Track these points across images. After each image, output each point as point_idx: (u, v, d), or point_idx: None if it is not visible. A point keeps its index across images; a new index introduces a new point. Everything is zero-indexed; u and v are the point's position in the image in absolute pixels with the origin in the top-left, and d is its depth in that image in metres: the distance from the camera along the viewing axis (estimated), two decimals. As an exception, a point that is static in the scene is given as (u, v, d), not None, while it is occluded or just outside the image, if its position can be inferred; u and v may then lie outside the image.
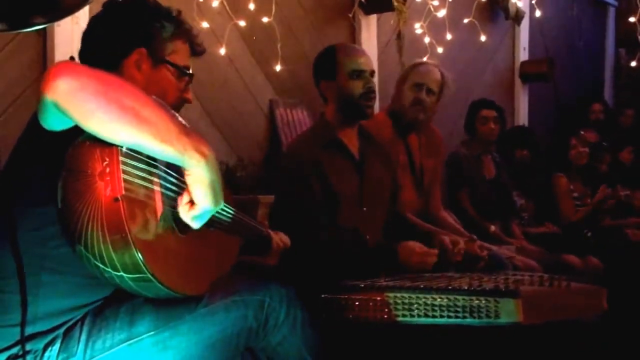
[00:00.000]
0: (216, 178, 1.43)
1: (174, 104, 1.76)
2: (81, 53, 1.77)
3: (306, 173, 2.58)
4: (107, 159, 1.36)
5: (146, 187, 1.44)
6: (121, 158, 1.37)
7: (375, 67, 3.08)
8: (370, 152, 2.81)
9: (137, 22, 1.74)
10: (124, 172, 1.37)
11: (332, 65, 2.74)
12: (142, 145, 1.36)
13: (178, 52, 1.78)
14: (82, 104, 1.31)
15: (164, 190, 1.49)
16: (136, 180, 1.41)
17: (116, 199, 1.35)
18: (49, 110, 1.36)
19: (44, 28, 2.64)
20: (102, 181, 1.36)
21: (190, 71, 1.83)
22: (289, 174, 2.65)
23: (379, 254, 2.58)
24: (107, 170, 1.36)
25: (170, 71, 1.76)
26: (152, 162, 1.46)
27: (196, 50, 1.87)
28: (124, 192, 1.35)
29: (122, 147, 1.38)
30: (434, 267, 2.51)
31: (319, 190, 2.57)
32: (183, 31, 1.80)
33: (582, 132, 4.86)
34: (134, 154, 1.41)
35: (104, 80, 1.34)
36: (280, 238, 2.07)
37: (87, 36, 1.77)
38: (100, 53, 1.72)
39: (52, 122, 1.42)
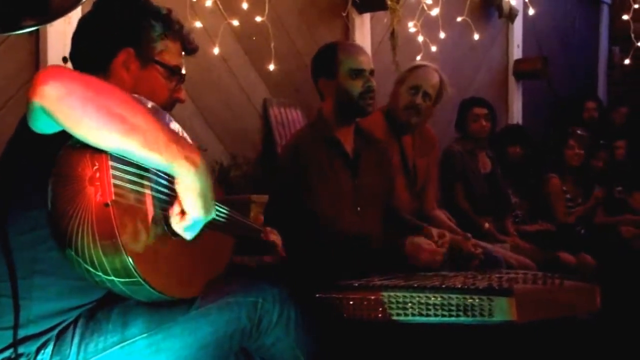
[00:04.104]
0: (207, 187, 1.42)
1: (165, 104, 1.74)
2: (72, 54, 1.76)
3: (306, 169, 2.57)
4: (97, 164, 1.36)
5: (137, 191, 1.43)
6: (111, 163, 1.36)
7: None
8: (366, 150, 2.80)
9: (124, 21, 1.72)
10: (114, 176, 1.36)
11: (331, 63, 2.72)
12: (130, 152, 1.35)
13: (168, 52, 1.76)
14: (70, 110, 1.30)
15: (155, 194, 1.48)
16: (126, 185, 1.40)
17: (106, 204, 1.34)
18: (37, 115, 1.36)
19: (37, 29, 2.64)
20: (92, 186, 1.35)
21: (183, 71, 1.81)
22: (289, 169, 2.64)
23: (385, 251, 2.58)
24: (97, 175, 1.35)
25: (160, 71, 1.75)
26: (143, 165, 1.45)
27: (188, 48, 1.85)
28: (114, 197, 1.35)
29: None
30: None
31: (319, 184, 2.57)
32: (173, 30, 1.78)
33: (579, 133, 4.86)
34: (125, 158, 1.40)
35: (93, 86, 1.33)
36: (273, 235, 2.07)
37: (76, 37, 1.75)
38: (89, 54, 1.71)
39: (41, 127, 1.41)
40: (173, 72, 1.77)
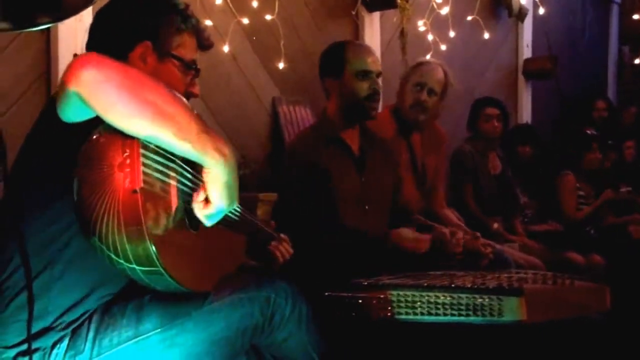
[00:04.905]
0: (233, 178, 1.44)
1: None
2: (87, 47, 1.76)
3: (307, 175, 2.57)
4: (128, 151, 1.37)
5: (163, 181, 1.44)
6: (141, 150, 1.38)
7: (378, 65, 3.07)
8: (372, 149, 2.79)
9: (143, 15, 1.73)
10: (143, 164, 1.38)
11: (339, 63, 2.71)
12: (163, 140, 1.37)
13: (184, 46, 1.77)
14: (105, 96, 1.32)
15: (179, 185, 1.49)
16: (154, 174, 1.41)
17: (134, 191, 1.35)
18: (70, 101, 1.37)
19: (48, 26, 2.65)
20: (121, 172, 1.36)
21: (197, 65, 1.81)
22: (290, 175, 2.64)
23: (371, 243, 2.59)
24: (127, 161, 1.36)
25: (176, 65, 1.75)
26: (170, 156, 1.47)
27: (203, 44, 1.85)
28: (142, 185, 1.36)
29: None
30: (437, 259, 2.52)
31: (320, 191, 2.57)
32: (190, 25, 1.79)
33: (594, 134, 4.86)
34: (154, 147, 1.41)
35: (128, 74, 1.35)
36: (284, 248, 2.08)
37: (93, 29, 1.76)
38: (106, 46, 1.72)
39: (72, 114, 1.42)
40: (189, 66, 1.78)
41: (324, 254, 2.47)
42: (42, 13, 1.36)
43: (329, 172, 2.61)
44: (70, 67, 1.32)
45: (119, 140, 1.37)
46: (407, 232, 2.57)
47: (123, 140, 1.37)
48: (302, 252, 2.38)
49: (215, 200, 1.44)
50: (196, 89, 1.83)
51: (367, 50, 2.82)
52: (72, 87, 1.32)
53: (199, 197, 1.46)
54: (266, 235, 2.05)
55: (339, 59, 2.72)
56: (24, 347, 1.52)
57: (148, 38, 1.70)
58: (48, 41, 2.72)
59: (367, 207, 2.69)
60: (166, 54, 1.73)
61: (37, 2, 1.35)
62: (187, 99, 1.81)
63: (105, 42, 1.72)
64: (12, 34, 2.60)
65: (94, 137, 1.40)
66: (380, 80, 2.73)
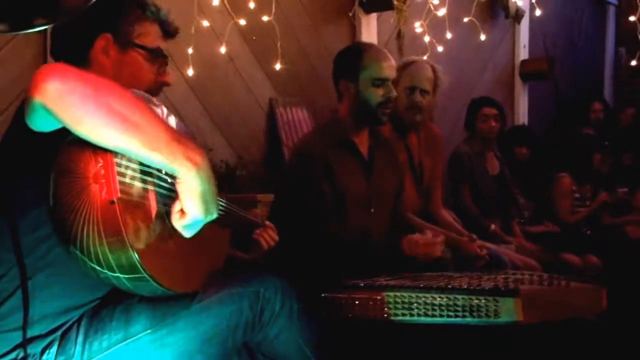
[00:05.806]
0: (208, 188, 1.39)
1: (150, 88, 1.72)
2: (52, 48, 1.75)
3: (316, 174, 2.55)
4: (102, 161, 1.35)
5: (140, 188, 1.43)
6: (115, 159, 1.36)
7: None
8: (379, 151, 2.79)
9: (99, 7, 1.65)
10: (119, 173, 1.36)
11: (355, 66, 2.68)
12: (131, 151, 1.34)
13: (147, 34, 1.73)
14: (71, 108, 1.29)
15: (157, 189, 1.48)
16: (131, 181, 1.40)
17: (112, 202, 1.34)
18: (37, 113, 1.34)
19: (44, 29, 2.64)
20: (96, 183, 1.34)
21: (164, 52, 1.77)
22: (299, 174, 2.62)
23: (384, 251, 2.58)
24: (102, 172, 1.35)
25: (141, 54, 1.72)
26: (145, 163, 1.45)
27: (167, 30, 1.80)
28: (119, 195, 1.34)
29: None
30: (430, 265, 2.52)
31: (328, 191, 2.56)
32: (150, 12, 1.75)
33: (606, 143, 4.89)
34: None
35: (94, 84, 1.32)
36: (268, 235, 2.08)
37: (53, 30, 1.73)
38: (67, 44, 1.70)
39: (40, 124, 1.39)
40: (155, 54, 1.75)
41: (322, 255, 2.47)
42: (38, 15, 1.35)
43: (336, 173, 2.59)
44: (34, 79, 1.29)
45: (91, 150, 1.35)
46: (418, 238, 2.56)
47: (95, 150, 1.35)
48: (300, 253, 2.38)
49: (190, 211, 1.39)
50: (167, 78, 1.80)
51: (384, 56, 2.75)
52: (38, 99, 1.29)
53: (175, 207, 1.41)
54: (250, 224, 2.05)
55: (355, 62, 2.69)
56: (12, 355, 1.51)
57: (107, 30, 1.68)
58: (44, 44, 2.72)
59: (372, 210, 2.69)
60: (128, 44, 1.70)
61: (34, 4, 1.34)
62: (159, 88, 1.78)
63: (66, 40, 1.70)
64: (9, 36, 2.59)
65: (66, 147, 1.37)
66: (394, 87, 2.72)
